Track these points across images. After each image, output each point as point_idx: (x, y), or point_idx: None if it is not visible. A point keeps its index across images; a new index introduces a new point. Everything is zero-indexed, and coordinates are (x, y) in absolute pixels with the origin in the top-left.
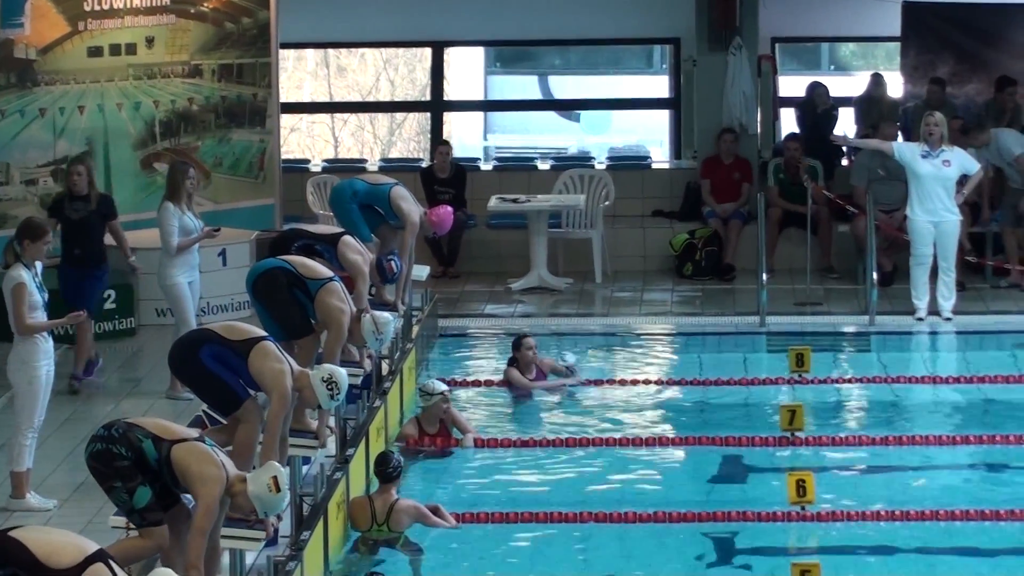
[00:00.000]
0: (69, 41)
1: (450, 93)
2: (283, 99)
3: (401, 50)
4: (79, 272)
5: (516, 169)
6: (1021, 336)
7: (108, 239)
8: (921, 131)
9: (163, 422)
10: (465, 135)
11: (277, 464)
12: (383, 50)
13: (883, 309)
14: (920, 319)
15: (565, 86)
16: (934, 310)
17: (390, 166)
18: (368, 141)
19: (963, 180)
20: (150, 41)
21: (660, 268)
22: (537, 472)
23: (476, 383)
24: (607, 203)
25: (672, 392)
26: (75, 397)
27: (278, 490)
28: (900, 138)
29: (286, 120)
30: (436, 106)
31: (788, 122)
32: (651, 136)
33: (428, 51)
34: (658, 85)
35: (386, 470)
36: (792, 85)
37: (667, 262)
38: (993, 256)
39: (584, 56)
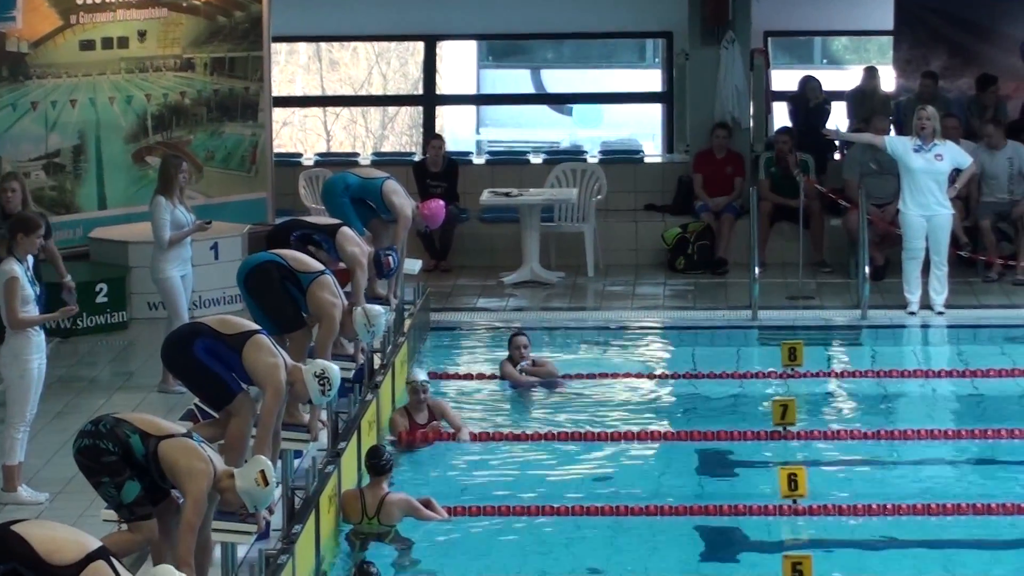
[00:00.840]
0: (61, 35)
1: (442, 87)
2: (275, 93)
3: (394, 44)
4: None
5: (508, 163)
6: (1013, 330)
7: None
8: (913, 125)
9: (151, 418)
10: (457, 129)
11: (264, 458)
12: (376, 44)
13: (875, 303)
14: (912, 313)
15: (557, 80)
16: (926, 304)
17: (382, 160)
18: (360, 135)
19: (955, 174)
20: (142, 35)
21: (652, 262)
22: (529, 466)
23: (468, 376)
24: (599, 197)
25: (664, 386)
26: (67, 391)
27: (266, 484)
28: (892, 132)
29: (278, 114)
30: (428, 100)
31: (780, 116)
32: (643, 130)
33: (421, 45)
34: (650, 79)
35: (378, 463)
36: (784, 79)
37: (659, 256)
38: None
39: (577, 50)
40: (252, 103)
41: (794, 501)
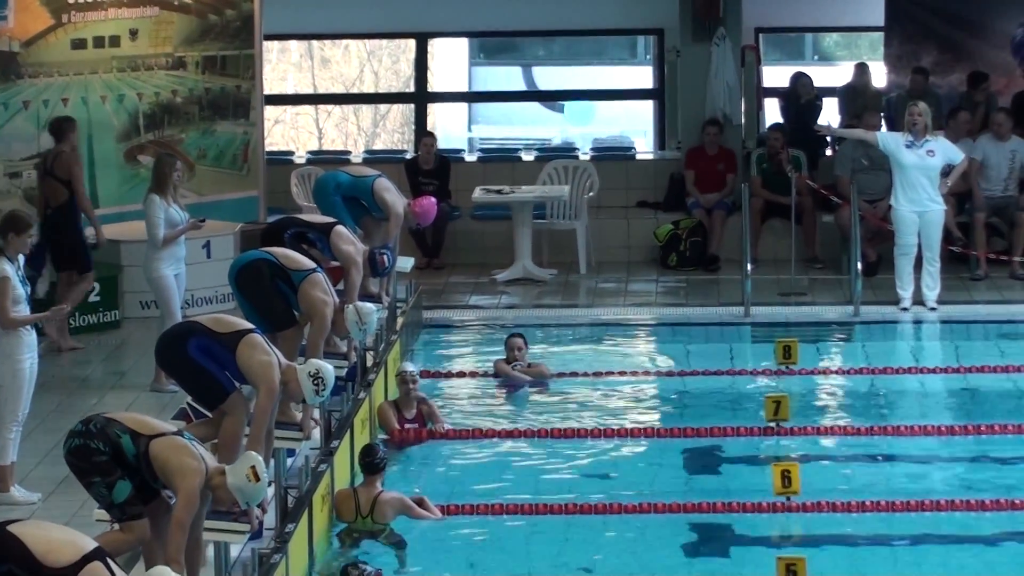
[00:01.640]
0: (53, 34)
1: (434, 84)
2: (267, 91)
3: (385, 41)
4: None
5: (500, 160)
6: (1005, 326)
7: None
8: (905, 121)
9: (142, 417)
10: (449, 126)
11: (255, 454)
12: (367, 41)
13: (867, 299)
14: (905, 309)
15: (549, 77)
16: (919, 300)
17: (374, 158)
18: (352, 133)
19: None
20: (134, 33)
21: (645, 259)
22: (522, 463)
23: (461, 374)
24: (591, 194)
25: (656, 383)
26: (60, 391)
27: (257, 479)
28: (884, 128)
29: (270, 112)
30: (420, 97)
31: (772, 112)
32: (635, 127)
33: (412, 42)
34: (642, 76)
35: (371, 461)
36: (776, 75)
37: (651, 253)
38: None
39: (568, 47)
40: (244, 101)
41: (787, 498)
